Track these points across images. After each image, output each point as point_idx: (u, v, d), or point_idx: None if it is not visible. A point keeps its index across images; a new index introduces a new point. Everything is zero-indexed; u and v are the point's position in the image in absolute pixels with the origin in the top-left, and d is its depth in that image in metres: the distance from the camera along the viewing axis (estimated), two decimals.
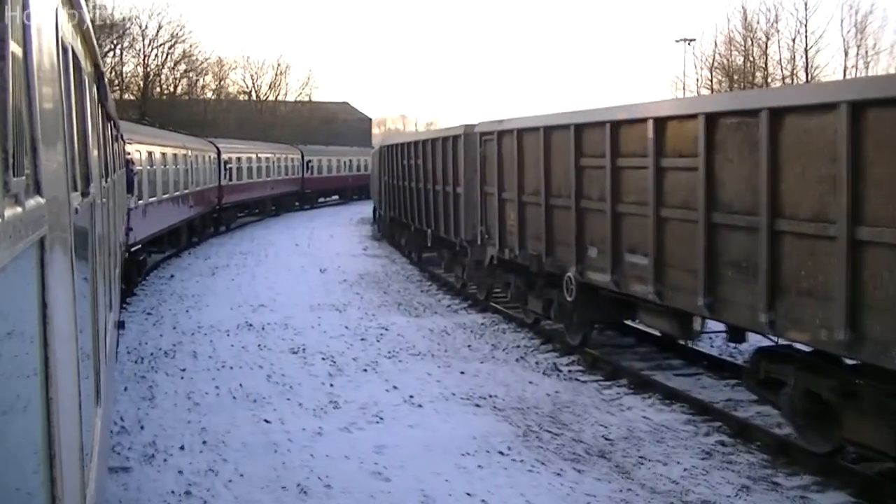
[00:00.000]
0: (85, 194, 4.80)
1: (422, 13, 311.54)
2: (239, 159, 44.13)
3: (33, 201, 2.33)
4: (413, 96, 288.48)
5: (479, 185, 18.55)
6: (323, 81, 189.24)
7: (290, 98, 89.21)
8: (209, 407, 11.94)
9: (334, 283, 23.97)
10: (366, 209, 53.64)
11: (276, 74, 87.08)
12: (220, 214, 40.66)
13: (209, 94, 74.16)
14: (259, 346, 15.75)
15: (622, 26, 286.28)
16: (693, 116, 10.83)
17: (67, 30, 3.94)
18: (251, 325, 17.77)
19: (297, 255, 30.82)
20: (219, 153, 39.90)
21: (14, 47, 2.14)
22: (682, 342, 14.62)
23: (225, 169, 40.70)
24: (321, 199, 62.72)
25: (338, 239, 37.85)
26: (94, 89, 6.95)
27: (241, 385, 12.99)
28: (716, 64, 65.93)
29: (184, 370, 14.02)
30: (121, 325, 12.79)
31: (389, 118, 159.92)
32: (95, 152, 6.51)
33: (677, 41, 78.22)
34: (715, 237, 10.47)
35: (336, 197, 65.76)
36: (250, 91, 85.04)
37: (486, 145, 18.21)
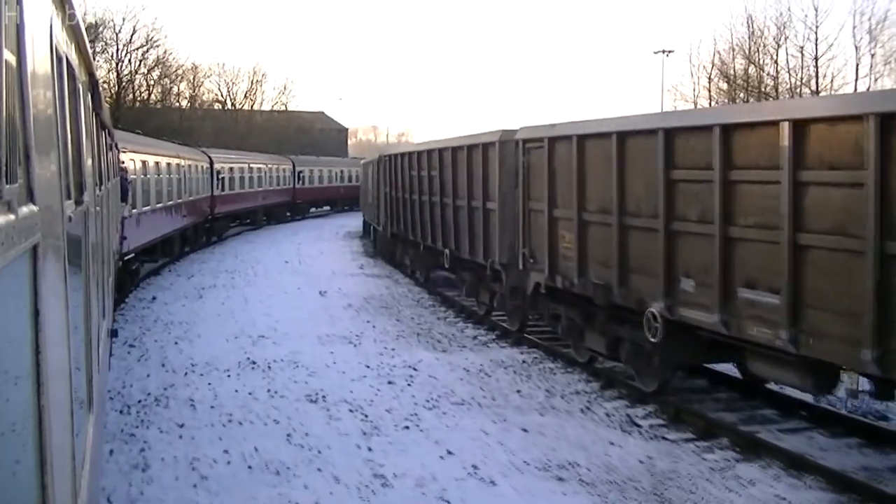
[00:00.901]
0: (79, 202, 4.87)
1: (395, 24, 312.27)
2: (231, 169, 45.47)
3: (26, 209, 2.39)
4: (384, 107, 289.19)
5: (521, 200, 16.26)
6: (298, 90, 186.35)
7: (266, 106, 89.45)
8: (220, 482, 9.71)
9: (338, 308, 22.15)
10: (350, 222, 55.01)
11: (252, 83, 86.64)
12: (213, 224, 41.79)
13: (184, 103, 71.72)
14: (269, 391, 13.48)
15: (598, 39, 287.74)
16: (857, 118, 8.51)
17: (62, 38, 4.04)
18: (254, 362, 15.53)
19: (290, 275, 29.29)
20: (211, 163, 41.04)
21: (7, 55, 2.20)
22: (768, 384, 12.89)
23: (217, 179, 41.71)
24: (312, 210, 64.55)
25: (329, 256, 36.42)
26: (89, 98, 7.06)
27: (256, 449, 10.78)
28: (714, 73, 63.82)
29: (182, 426, 11.75)
30: (114, 333, 13.25)
31: (361, 129, 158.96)
32: (89, 161, 6.67)
33: (656, 52, 76.85)
34: (891, 272, 8.12)
35: (327, 207, 67.71)
36: (225, 99, 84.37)
37: (530, 154, 15.97)
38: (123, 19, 58.84)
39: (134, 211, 23.01)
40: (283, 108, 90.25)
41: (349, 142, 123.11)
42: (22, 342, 2.47)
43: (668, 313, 11.81)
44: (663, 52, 73.92)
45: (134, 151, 23.78)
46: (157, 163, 27.61)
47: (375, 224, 35.20)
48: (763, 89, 59.49)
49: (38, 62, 2.85)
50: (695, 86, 66.40)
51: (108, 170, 12.66)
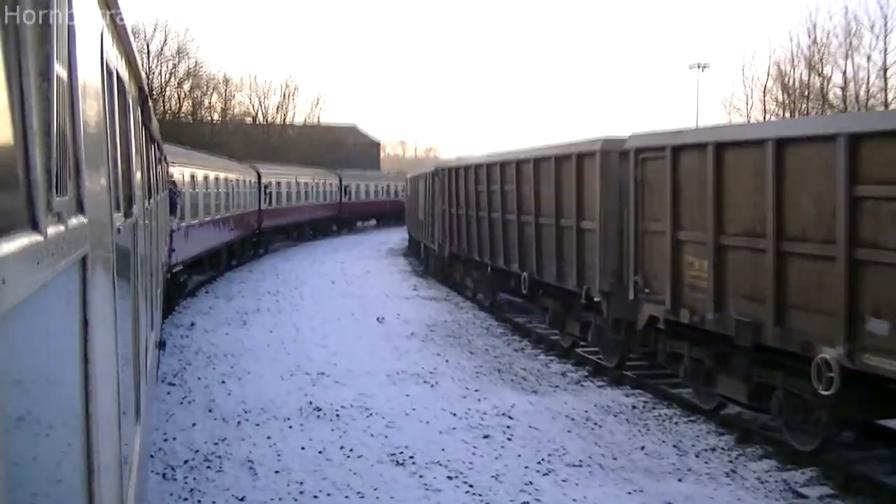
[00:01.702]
0: (128, 215, 5.02)
1: (424, 39, 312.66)
2: (279, 184, 46.28)
3: (76, 220, 2.49)
4: (412, 122, 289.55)
5: (633, 219, 14.05)
6: (329, 104, 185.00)
7: (299, 119, 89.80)
8: None
9: (401, 338, 20.50)
10: (391, 238, 55.08)
11: (284, 96, 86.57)
12: (260, 238, 42.78)
13: (215, 116, 70.73)
14: (343, 449, 11.59)
15: (627, 54, 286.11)
16: None
17: (112, 53, 4.19)
18: (318, 408, 13.75)
19: (339, 297, 27.93)
20: (259, 177, 41.79)
21: (59, 69, 2.26)
22: None
23: (265, 193, 42.50)
24: (359, 223, 66.53)
25: (377, 275, 35.24)
26: (139, 112, 7.22)
27: None
28: (770, 84, 61.64)
29: (242, 500, 9.49)
30: (162, 345, 13.42)
31: (389, 143, 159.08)
32: (139, 174, 6.77)
33: (691, 67, 75.90)
34: None
35: (373, 221, 69.83)
36: (256, 113, 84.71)
37: (645, 166, 13.85)
38: (154, 28, 58.06)
39: (182, 224, 23.79)
40: (315, 121, 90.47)
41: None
42: (71, 351, 2.56)
43: (847, 361, 9.63)
44: (699, 66, 73.26)
45: (183, 165, 24.56)
46: (205, 176, 28.33)
47: (428, 242, 33.77)
48: (830, 100, 57.06)
49: (89, 76, 3.00)
50: (748, 98, 64.29)
51: (158, 183, 12.97)
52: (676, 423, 13.10)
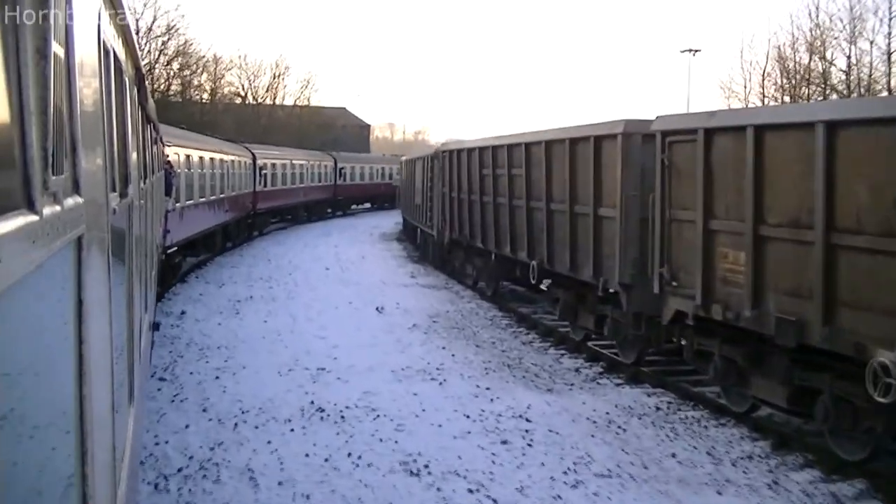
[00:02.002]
0: (123, 195, 4.99)
1: (414, 22, 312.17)
2: (274, 165, 46.35)
3: (72, 200, 2.48)
4: (400, 105, 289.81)
5: (660, 206, 13.25)
6: (319, 85, 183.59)
7: (288, 101, 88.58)
8: None
9: (403, 330, 19.73)
10: (383, 222, 54.56)
11: (274, 76, 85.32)
12: (255, 220, 42.98)
13: (204, 96, 69.91)
14: (350, 456, 10.90)
15: (619, 39, 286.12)
16: None
17: (109, 31, 4.17)
18: (321, 409, 13.06)
19: (335, 284, 27.01)
20: (254, 159, 41.82)
21: (56, 47, 2.25)
22: None
23: (260, 174, 42.61)
24: (353, 206, 66.46)
25: (372, 261, 34.51)
26: (135, 91, 7.20)
27: None
28: (770, 68, 60.53)
29: None
30: (156, 326, 13.31)
31: (377, 126, 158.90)
32: (134, 154, 6.86)
33: (682, 52, 75.29)
34: None
35: (367, 205, 69.71)
36: (246, 93, 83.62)
37: (673, 150, 13.09)
38: (144, 5, 56.66)
39: (177, 205, 23.80)
40: (305, 102, 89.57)
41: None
42: (66, 332, 2.56)
43: None
44: (690, 51, 73.03)
45: (178, 146, 24.44)
46: (200, 157, 28.25)
47: (425, 227, 32.86)
48: (833, 85, 56.15)
49: (86, 54, 3.00)
50: (746, 82, 63.37)
51: (153, 163, 12.99)
52: (706, 427, 12.39)
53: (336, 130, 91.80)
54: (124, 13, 4.90)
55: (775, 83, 61.08)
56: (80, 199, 2.59)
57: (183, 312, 20.96)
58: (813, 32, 57.17)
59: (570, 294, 17.87)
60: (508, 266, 21.84)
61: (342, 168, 61.73)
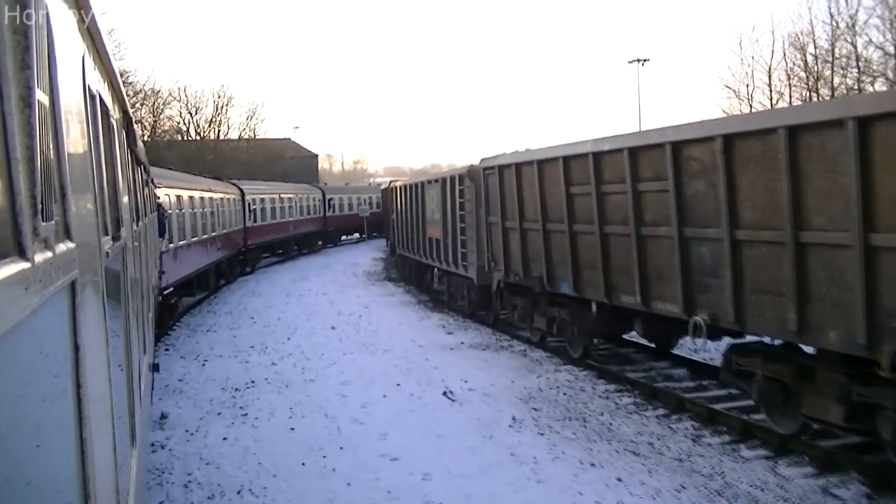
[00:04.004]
0: (116, 238, 5.00)
1: (350, 55, 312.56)
2: (262, 200, 46.68)
3: (63, 245, 2.54)
4: (336, 136, 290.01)
5: None
6: (264, 115, 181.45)
7: (234, 132, 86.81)
8: None
9: (502, 430, 13.54)
10: (356, 258, 51.46)
11: (217, 108, 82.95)
12: (246, 256, 42.87)
13: (145, 133, 66.84)
14: None
15: (564, 54, 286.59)
16: None
17: (94, 76, 4.27)
18: None
19: (359, 352, 20.81)
20: (243, 195, 41.93)
21: (40, 95, 2.26)
22: None
23: (249, 211, 42.65)
24: (343, 238, 67.45)
25: (381, 312, 28.38)
26: (123, 134, 7.35)
27: None
28: (775, 65, 57.31)
29: None
30: (155, 367, 13.10)
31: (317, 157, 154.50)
32: (126, 197, 6.83)
33: (630, 62, 74.32)
34: None
35: (356, 235, 70.00)
36: (188, 127, 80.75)
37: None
38: None
39: (171, 245, 23.49)
40: (251, 134, 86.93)
41: None
42: (63, 377, 2.55)
43: None
44: (638, 60, 71.48)
45: (169, 186, 24.22)
46: (190, 197, 28.10)
47: (448, 267, 27.23)
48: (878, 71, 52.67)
49: (72, 101, 3.07)
50: (747, 79, 59.93)
51: (145, 205, 13.08)
52: None
53: (285, 161, 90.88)
54: (109, 58, 5.01)
55: (788, 75, 57.80)
56: (71, 245, 2.66)
57: (163, 417, 14.70)
58: (837, 17, 53.89)
59: (791, 369, 11.92)
60: (619, 320, 17.01)
61: (331, 199, 62.97)
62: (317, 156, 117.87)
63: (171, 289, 23.84)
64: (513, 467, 11.70)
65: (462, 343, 21.73)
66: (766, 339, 12.95)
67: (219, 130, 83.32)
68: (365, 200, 69.00)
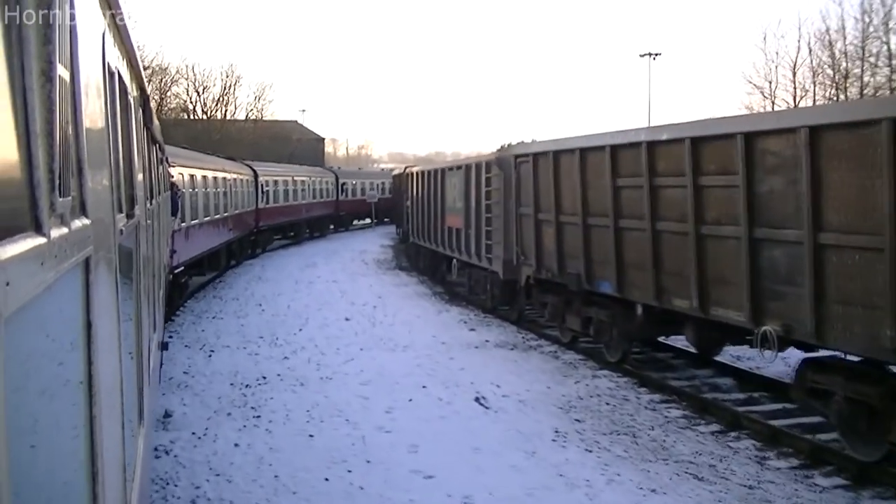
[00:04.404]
0: (130, 216, 5.02)
1: (353, 37, 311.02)
2: (276, 182, 46.47)
3: (79, 222, 2.52)
4: (341, 120, 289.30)
5: None
6: (272, 96, 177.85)
7: (241, 112, 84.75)
8: None
9: (546, 445, 12.20)
10: (365, 245, 49.97)
11: (225, 87, 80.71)
12: (258, 237, 42.60)
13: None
14: None
15: (579, 49, 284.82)
16: None
17: (113, 53, 4.21)
18: None
19: (377, 349, 19.24)
20: (256, 176, 41.62)
21: (61, 70, 2.26)
22: None
23: (262, 192, 42.25)
24: (355, 222, 67.02)
25: (397, 303, 26.74)
26: (140, 112, 7.26)
27: None
28: (800, 59, 55.85)
29: None
30: (164, 346, 13.29)
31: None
32: (140, 175, 6.80)
33: (642, 56, 75.27)
34: None
35: (367, 220, 69.17)
36: (195, 105, 78.69)
37: None
38: None
39: (183, 224, 23.35)
40: (258, 115, 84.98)
41: None
42: (75, 353, 2.56)
43: None
44: (650, 55, 70.74)
45: (183, 166, 24.09)
46: (204, 177, 28.03)
47: (471, 260, 25.84)
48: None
49: (91, 77, 3.05)
50: (770, 75, 58.42)
51: (159, 184, 12.94)
52: None
53: (291, 144, 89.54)
54: (128, 35, 4.99)
55: (814, 71, 56.40)
56: (87, 221, 2.64)
57: (167, 415, 13.46)
58: (869, 12, 52.47)
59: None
60: (666, 324, 15.77)
61: (344, 183, 62.57)
62: (323, 139, 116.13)
63: (182, 268, 23.75)
64: (563, 491, 10.36)
65: (487, 341, 20.31)
66: (841, 354, 11.70)
67: (225, 110, 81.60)
68: (377, 186, 68.32)
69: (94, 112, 3.06)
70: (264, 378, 16.25)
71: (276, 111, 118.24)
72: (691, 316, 14.37)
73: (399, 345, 19.63)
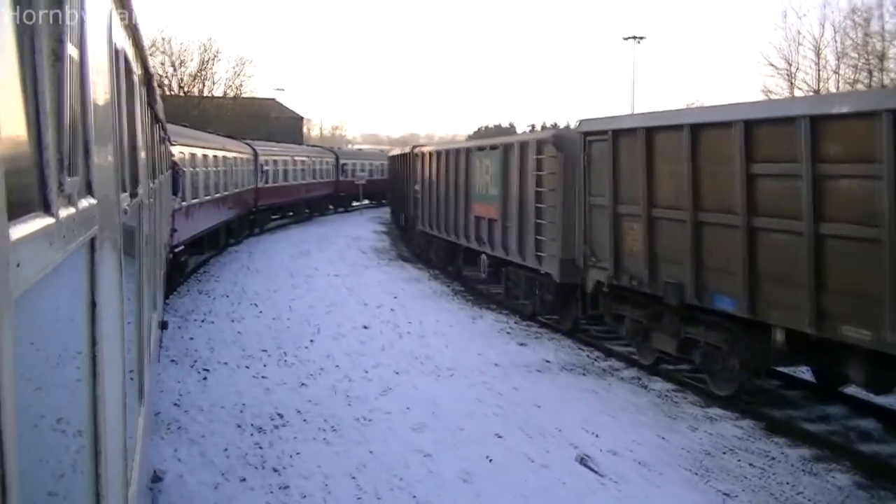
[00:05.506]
0: (133, 195, 5.03)
1: (328, 15, 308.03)
2: (275, 162, 46.38)
3: (85, 202, 2.49)
4: (315, 101, 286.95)
5: None
6: (251, 72, 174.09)
7: (219, 88, 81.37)
8: None
9: None
10: (355, 230, 47.18)
11: (203, 62, 77.17)
12: (257, 216, 42.80)
13: None
14: None
15: (560, 31, 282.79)
16: None
17: (119, 33, 4.19)
18: None
19: (429, 380, 15.11)
20: (255, 155, 41.64)
21: (71, 49, 2.25)
22: None
23: (261, 171, 42.31)
24: (354, 203, 66.03)
25: (421, 306, 23.02)
26: (144, 91, 7.30)
27: None
28: (825, 40, 52.81)
29: None
30: (164, 325, 13.00)
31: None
32: (144, 154, 6.88)
33: (626, 39, 76.26)
34: None
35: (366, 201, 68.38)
36: (170, 81, 74.69)
37: None
38: None
39: (184, 203, 23.19)
40: (236, 91, 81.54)
41: None
42: (80, 332, 2.57)
43: None
44: (634, 38, 69.36)
45: (184, 144, 24.05)
46: (204, 155, 27.98)
47: (502, 254, 22.64)
48: None
49: (99, 56, 3.04)
50: (790, 60, 55.07)
51: (162, 163, 13.02)
52: None
53: (270, 122, 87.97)
54: (134, 13, 4.87)
55: (838, 55, 53.17)
56: (93, 201, 2.61)
57: (156, 479, 9.85)
58: None
59: None
60: (813, 353, 12.43)
61: (344, 164, 62.23)
62: (302, 118, 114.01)
63: (182, 247, 23.67)
64: None
65: (548, 361, 16.69)
66: None
67: (202, 86, 78.08)
68: (378, 168, 67.36)
69: (101, 91, 3.03)
70: (280, 416, 12.59)
71: (255, 88, 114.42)
72: (863, 349, 10.79)
73: (441, 366, 15.97)
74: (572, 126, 25.60)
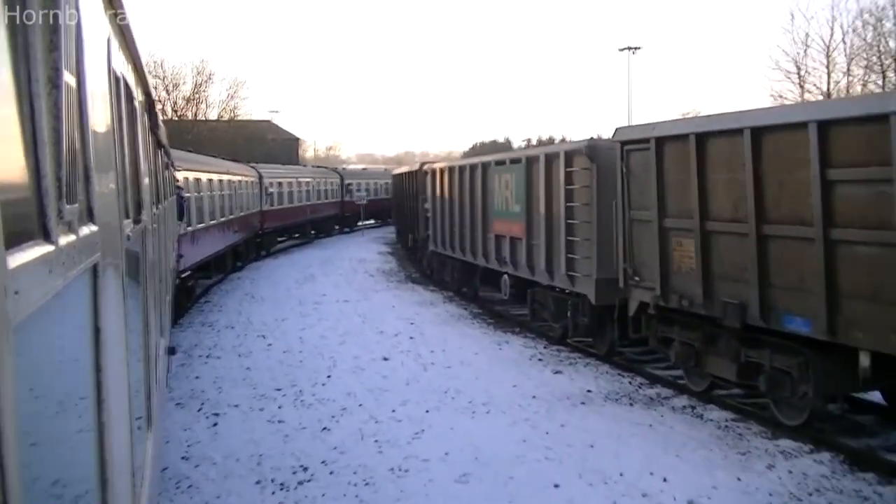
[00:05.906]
0: (137, 221, 5.04)
1: (322, 38, 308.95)
2: (280, 184, 46.59)
3: (87, 228, 2.53)
4: (309, 122, 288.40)
5: None
6: (246, 94, 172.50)
7: (213, 111, 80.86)
8: None
9: None
10: (359, 252, 45.70)
11: (196, 85, 76.35)
12: (263, 239, 43.09)
13: None
14: None
15: (553, 46, 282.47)
16: None
17: (119, 59, 4.22)
18: None
19: (465, 418, 13.73)
20: (260, 178, 41.87)
21: (68, 77, 2.26)
22: None
23: (266, 194, 42.48)
24: (359, 223, 65.76)
25: (442, 333, 21.51)
26: (145, 117, 7.29)
27: None
28: (834, 42, 51.51)
29: None
30: (171, 350, 12.05)
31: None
32: (147, 179, 6.86)
33: (621, 49, 73.72)
34: None
35: (371, 221, 68.10)
36: (164, 104, 73.89)
37: None
38: None
39: (189, 228, 23.37)
40: (231, 114, 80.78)
41: None
42: (84, 359, 2.58)
43: None
44: (629, 48, 69.00)
45: (188, 169, 24.20)
46: (209, 180, 28.23)
47: (527, 275, 21.31)
48: None
49: (97, 83, 3.06)
50: (798, 63, 53.78)
51: (165, 188, 12.88)
52: None
53: (266, 144, 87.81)
54: (133, 40, 4.87)
55: (848, 56, 51.99)
56: (94, 227, 2.64)
57: None
58: None
59: None
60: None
61: (349, 184, 62.76)
62: (298, 139, 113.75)
63: (189, 272, 23.79)
64: None
65: (589, 391, 15.33)
66: None
67: (196, 109, 76.84)
68: (382, 187, 67.36)
69: (100, 118, 3.03)
70: (304, 469, 11.27)
71: (249, 111, 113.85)
72: None
73: (475, 401, 14.60)
74: (568, 139, 24.01)
